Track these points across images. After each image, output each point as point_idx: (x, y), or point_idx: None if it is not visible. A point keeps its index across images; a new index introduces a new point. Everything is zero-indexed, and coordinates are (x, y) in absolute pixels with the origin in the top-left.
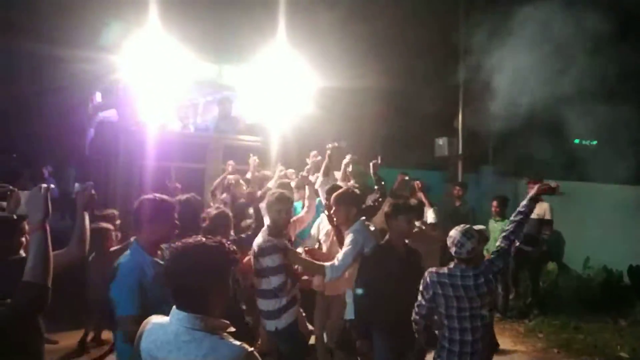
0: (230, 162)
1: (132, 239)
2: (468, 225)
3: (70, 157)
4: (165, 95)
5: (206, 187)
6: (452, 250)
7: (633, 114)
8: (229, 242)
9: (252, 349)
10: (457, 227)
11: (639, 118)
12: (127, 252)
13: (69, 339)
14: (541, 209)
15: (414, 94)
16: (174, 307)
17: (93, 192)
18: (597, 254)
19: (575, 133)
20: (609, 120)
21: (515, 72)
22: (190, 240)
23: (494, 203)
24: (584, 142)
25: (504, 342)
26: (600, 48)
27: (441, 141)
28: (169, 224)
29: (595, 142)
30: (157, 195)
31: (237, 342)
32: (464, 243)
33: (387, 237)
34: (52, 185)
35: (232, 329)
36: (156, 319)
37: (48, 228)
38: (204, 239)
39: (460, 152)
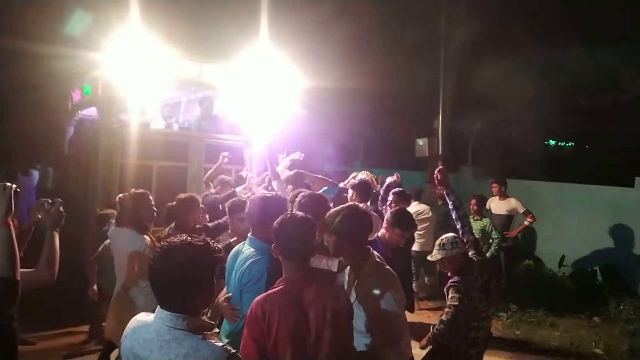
0: (224, 153)
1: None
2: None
3: (48, 156)
4: (147, 93)
5: (189, 185)
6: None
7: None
8: (213, 241)
9: (234, 350)
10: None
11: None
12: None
13: (48, 341)
14: (510, 206)
15: (396, 94)
16: (158, 306)
17: (61, 209)
18: (572, 252)
19: (551, 135)
20: (587, 124)
21: (495, 74)
22: (176, 239)
23: (473, 201)
24: (560, 144)
25: None
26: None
27: (421, 141)
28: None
29: (570, 144)
30: (267, 193)
31: (220, 343)
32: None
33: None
34: (15, 187)
35: (217, 330)
36: (141, 316)
37: (12, 224)
38: (190, 238)
39: (440, 152)
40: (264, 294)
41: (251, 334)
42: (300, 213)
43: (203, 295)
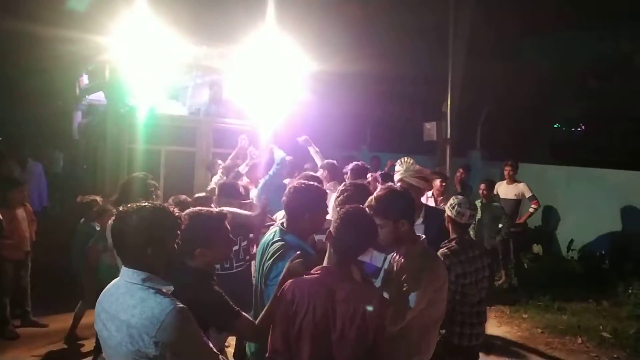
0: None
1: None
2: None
3: (57, 141)
4: (155, 77)
5: (197, 170)
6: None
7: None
8: (172, 206)
9: (184, 306)
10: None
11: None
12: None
13: (59, 322)
14: (517, 190)
15: (403, 78)
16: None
17: None
18: (581, 236)
19: (560, 118)
20: (597, 108)
21: (504, 57)
22: (134, 204)
23: (482, 186)
24: (569, 127)
25: (489, 323)
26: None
27: (430, 125)
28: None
29: (580, 128)
30: (308, 182)
31: (169, 298)
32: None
33: None
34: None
35: (172, 288)
36: (116, 279)
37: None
38: (145, 203)
39: (448, 136)
40: (297, 278)
41: (276, 316)
42: (367, 211)
43: (157, 254)
